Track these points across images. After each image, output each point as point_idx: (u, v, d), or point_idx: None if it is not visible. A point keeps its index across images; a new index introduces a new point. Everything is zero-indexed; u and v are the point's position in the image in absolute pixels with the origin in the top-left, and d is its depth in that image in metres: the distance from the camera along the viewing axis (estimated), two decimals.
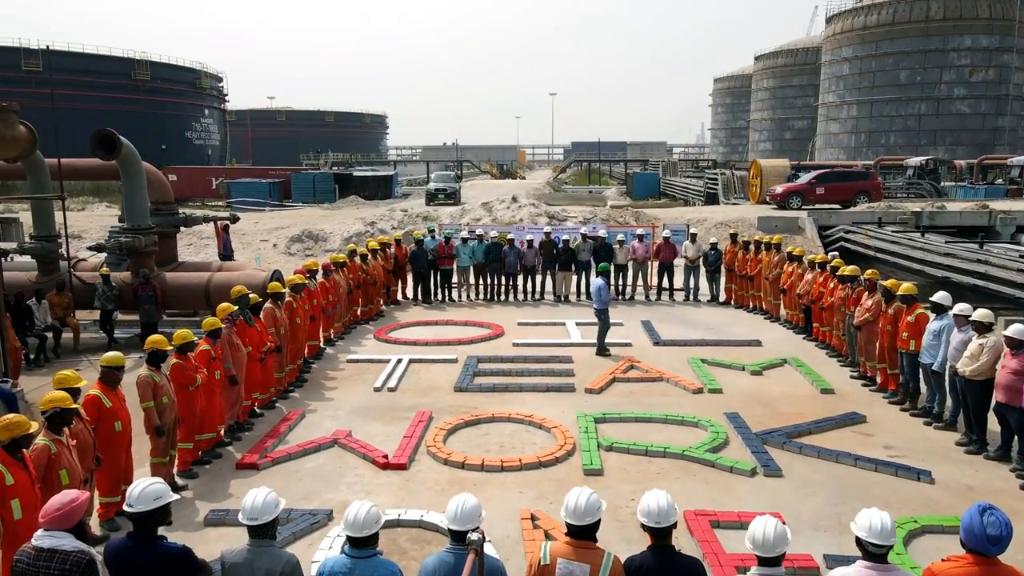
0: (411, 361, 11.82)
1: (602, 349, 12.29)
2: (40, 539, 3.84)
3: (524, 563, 5.88)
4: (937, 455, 8.18)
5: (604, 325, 12.29)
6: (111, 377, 6.80)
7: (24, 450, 5.24)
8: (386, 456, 8.02)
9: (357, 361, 12.01)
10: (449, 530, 3.91)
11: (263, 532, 3.96)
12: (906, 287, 9.78)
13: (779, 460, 7.92)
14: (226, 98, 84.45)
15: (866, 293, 10.69)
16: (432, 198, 40.50)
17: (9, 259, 14.99)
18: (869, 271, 11.12)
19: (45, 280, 13.99)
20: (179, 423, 7.60)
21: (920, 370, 9.44)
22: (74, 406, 5.92)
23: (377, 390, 10.53)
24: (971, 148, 54.11)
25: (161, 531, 4.09)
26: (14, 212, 26.90)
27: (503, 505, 6.89)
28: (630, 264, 16.81)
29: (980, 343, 8.18)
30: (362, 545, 3.84)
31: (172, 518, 4.22)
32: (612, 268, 16.05)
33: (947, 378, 8.87)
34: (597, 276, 12.74)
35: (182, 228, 17.03)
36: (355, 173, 53.39)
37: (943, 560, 3.87)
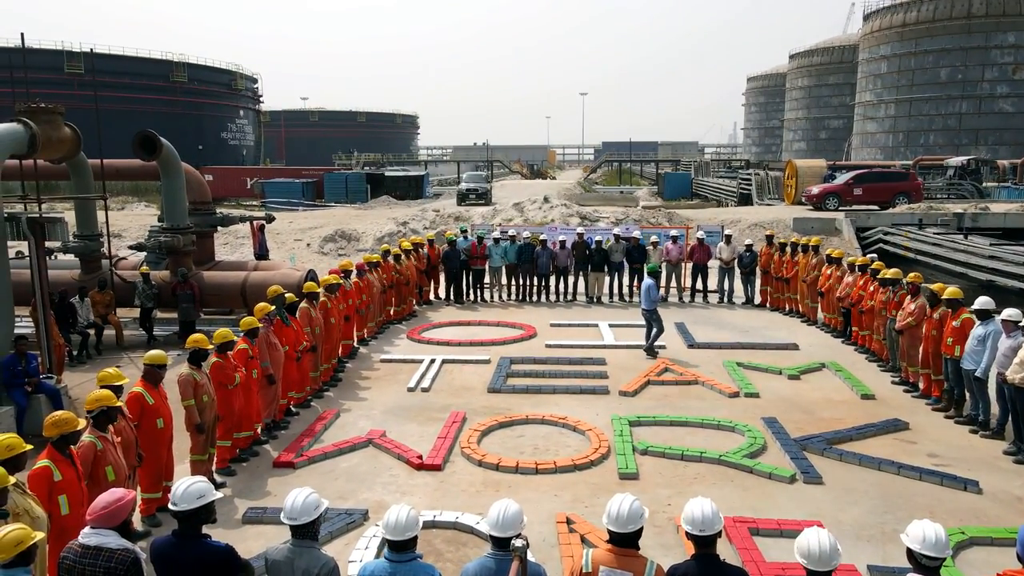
0: (444, 361, 11.84)
1: (651, 350, 12.18)
2: (86, 536, 3.90)
3: (560, 567, 5.85)
4: (984, 464, 7.96)
5: (658, 327, 12.15)
6: (154, 375, 6.92)
7: (72, 447, 5.34)
8: (420, 457, 8.03)
9: (390, 361, 12.06)
10: (491, 536, 3.89)
11: (305, 532, 3.98)
12: (952, 291, 9.54)
13: (819, 467, 7.76)
14: (260, 99, 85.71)
15: (908, 297, 10.45)
16: (463, 198, 40.55)
17: (53, 258, 15.37)
18: (912, 274, 10.86)
19: (87, 278, 14.30)
20: (219, 421, 7.69)
21: (964, 376, 9.20)
22: (118, 404, 6.03)
23: (411, 390, 10.56)
24: (1015, 148, 52.58)
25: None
26: (58, 212, 27.54)
27: (538, 508, 6.85)
28: (664, 266, 16.67)
29: None
30: (402, 549, 3.84)
31: (216, 515, 4.27)
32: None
33: (995, 385, 8.63)
34: (647, 276, 12.62)
35: (219, 228, 17.31)
36: (387, 173, 53.77)
37: (998, 575, 3.77)
